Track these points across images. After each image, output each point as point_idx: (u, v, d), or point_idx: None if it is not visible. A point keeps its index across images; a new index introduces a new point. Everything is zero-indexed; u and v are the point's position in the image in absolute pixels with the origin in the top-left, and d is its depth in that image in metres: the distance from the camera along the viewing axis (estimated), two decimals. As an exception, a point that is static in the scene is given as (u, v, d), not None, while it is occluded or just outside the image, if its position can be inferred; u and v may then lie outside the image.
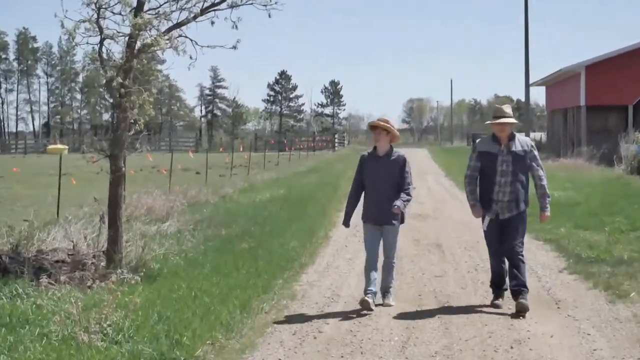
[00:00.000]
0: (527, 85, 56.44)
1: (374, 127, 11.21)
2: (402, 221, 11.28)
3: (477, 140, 11.39)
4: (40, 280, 11.25)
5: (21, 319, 9.44)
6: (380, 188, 11.00)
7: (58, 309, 9.82)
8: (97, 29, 12.22)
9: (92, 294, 10.81)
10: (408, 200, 11.10)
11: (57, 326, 8.97)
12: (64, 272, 11.94)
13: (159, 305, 10.20)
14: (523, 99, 64.37)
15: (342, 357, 8.84)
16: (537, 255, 15.23)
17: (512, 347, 9.04)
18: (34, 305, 10.10)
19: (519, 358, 8.66)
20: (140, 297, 10.26)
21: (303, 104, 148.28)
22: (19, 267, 11.77)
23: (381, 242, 11.26)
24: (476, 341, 9.31)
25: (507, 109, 11.01)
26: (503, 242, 10.89)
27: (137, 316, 9.52)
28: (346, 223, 11.53)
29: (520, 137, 11.03)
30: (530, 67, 55.79)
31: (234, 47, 13.06)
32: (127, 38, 12.39)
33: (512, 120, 10.89)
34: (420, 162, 51.23)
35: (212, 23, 12.96)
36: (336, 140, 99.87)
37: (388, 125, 11.14)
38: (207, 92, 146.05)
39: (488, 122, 11.16)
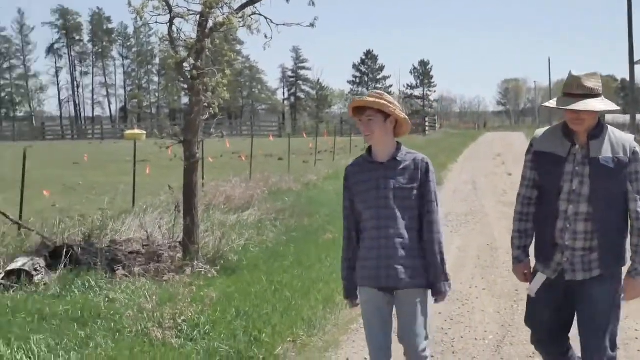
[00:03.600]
0: (632, 61, 55.06)
1: (357, 110, 6.28)
2: (444, 279, 6.30)
3: (537, 133, 6.44)
4: (116, 272, 11.36)
5: (93, 313, 9.51)
6: (384, 221, 6.14)
7: (132, 303, 9.88)
8: (167, 7, 12.21)
9: (167, 288, 10.85)
10: (441, 253, 6.24)
11: (131, 321, 9.01)
12: (138, 264, 12.02)
13: (236, 300, 10.18)
14: (628, 78, 62.68)
15: (432, 356, 8.70)
16: None
17: (618, 347, 8.78)
18: (107, 299, 10.18)
19: (625, 359, 8.41)
20: (217, 291, 10.26)
21: (391, 86, 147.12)
22: (92, 259, 11.89)
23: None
24: (578, 340, 9.06)
25: (589, 80, 5.92)
26: (566, 329, 6.46)
27: (213, 311, 9.51)
28: (348, 294, 6.51)
29: (615, 133, 6.08)
30: (636, 43, 54.46)
31: (312, 25, 12.97)
32: (198, 17, 12.34)
33: (598, 104, 5.89)
34: (518, 149, 50.31)
35: (287, 0, 12.88)
36: (427, 124, 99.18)
37: (381, 100, 6.19)
38: (290, 73, 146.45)
39: (548, 104, 6.25)
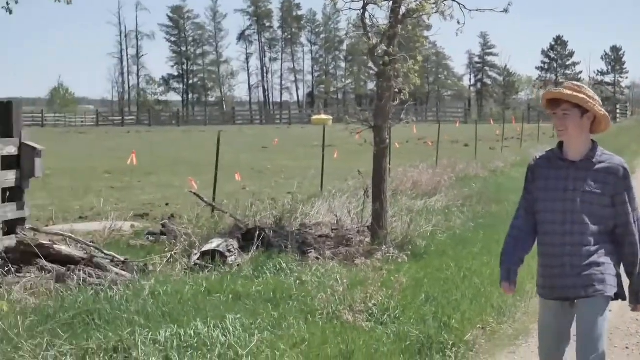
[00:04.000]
0: None
1: (552, 102, 5.66)
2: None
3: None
4: (308, 255, 11.56)
5: (285, 294, 9.69)
6: (569, 226, 5.57)
7: (322, 285, 10.02)
8: (360, -7, 12.34)
9: (357, 272, 10.95)
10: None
11: (322, 303, 9.15)
12: (327, 248, 12.19)
13: (425, 285, 10.20)
14: None
15: (626, 347, 8.51)
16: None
17: None
18: (298, 281, 10.36)
19: None
20: (406, 276, 10.29)
21: (580, 72, 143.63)
22: (283, 242, 12.11)
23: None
24: None
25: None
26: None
27: (403, 296, 9.55)
28: (506, 280, 5.86)
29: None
30: None
31: (505, 11, 12.86)
32: (391, 3, 12.42)
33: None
34: None
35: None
36: (618, 111, 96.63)
37: (580, 94, 5.55)
38: (477, 59, 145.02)
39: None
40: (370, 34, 12.53)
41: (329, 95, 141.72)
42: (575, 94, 5.50)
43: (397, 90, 12.53)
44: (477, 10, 12.67)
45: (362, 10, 12.45)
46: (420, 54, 12.74)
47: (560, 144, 5.68)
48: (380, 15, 12.95)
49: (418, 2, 12.13)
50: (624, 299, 5.72)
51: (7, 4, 12.65)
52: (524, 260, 5.83)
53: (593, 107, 5.52)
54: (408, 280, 10.23)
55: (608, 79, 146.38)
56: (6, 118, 12.03)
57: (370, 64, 12.81)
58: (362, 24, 12.54)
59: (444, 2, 12.32)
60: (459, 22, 12.52)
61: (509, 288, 5.82)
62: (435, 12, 12.22)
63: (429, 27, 13.17)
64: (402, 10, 12.32)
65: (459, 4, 12.48)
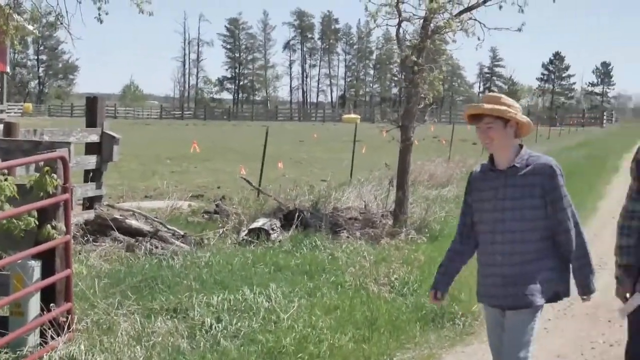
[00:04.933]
0: None
1: (474, 117, 4.93)
2: (584, 292, 5.00)
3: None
4: (340, 234, 11.56)
5: (319, 268, 9.68)
6: (499, 236, 4.89)
7: (351, 261, 10.01)
8: (396, 12, 12.39)
9: (381, 250, 10.93)
10: (586, 264, 4.92)
11: (351, 277, 9.14)
12: (356, 229, 12.18)
13: (439, 262, 10.13)
14: None
15: (609, 321, 8.46)
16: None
17: None
18: (330, 257, 10.34)
19: None
20: (423, 255, 10.26)
21: (574, 83, 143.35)
22: (318, 222, 12.10)
23: None
24: None
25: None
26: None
27: (421, 272, 9.52)
28: (434, 289, 5.25)
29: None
30: None
31: (519, 30, 12.88)
32: (422, 20, 12.47)
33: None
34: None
35: (500, 7, 12.77)
36: (605, 117, 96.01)
37: (500, 106, 4.85)
38: (486, 70, 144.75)
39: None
40: (402, 47, 12.59)
41: (358, 98, 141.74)
42: (495, 106, 4.79)
43: (422, 95, 12.55)
44: (495, 28, 12.68)
45: (397, 26, 12.50)
46: (445, 64, 12.78)
47: (490, 158, 4.97)
48: (410, 30, 13.01)
49: (445, 20, 12.13)
50: (567, 295, 4.96)
51: (99, 14, 12.64)
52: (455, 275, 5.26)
53: (515, 116, 4.81)
54: (425, 258, 10.20)
55: (597, 89, 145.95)
56: (92, 111, 12.16)
57: (399, 73, 12.85)
58: (397, 38, 12.62)
59: (467, 21, 12.34)
60: (479, 39, 12.56)
61: (434, 296, 5.20)
62: (460, 29, 12.23)
63: (446, 42, 13.16)
64: (432, 26, 12.34)
65: (480, 22, 12.51)
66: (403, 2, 12.44)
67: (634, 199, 4.76)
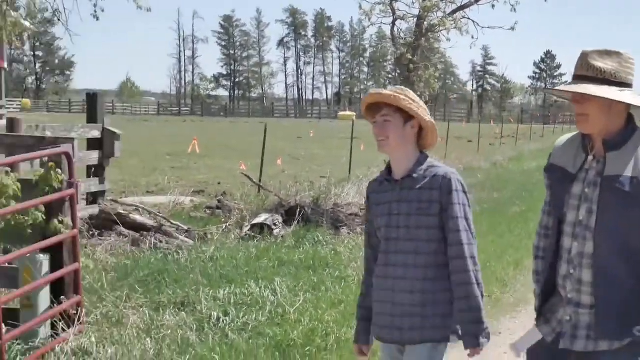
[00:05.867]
0: None
1: (371, 109, 4.01)
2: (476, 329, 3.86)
3: (559, 141, 3.78)
4: (341, 230, 11.59)
5: (322, 262, 9.70)
6: (392, 256, 3.97)
7: (354, 256, 10.04)
8: (390, 11, 12.45)
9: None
10: (474, 309, 3.84)
11: (354, 271, 9.17)
12: (357, 224, 12.22)
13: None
14: None
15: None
16: None
17: None
18: (333, 252, 10.37)
19: None
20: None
21: (566, 82, 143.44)
22: (319, 218, 12.14)
23: None
24: None
25: (601, 59, 3.41)
26: None
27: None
28: (356, 339, 4.25)
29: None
30: None
31: (512, 29, 12.96)
32: (416, 19, 12.52)
33: (598, 89, 3.34)
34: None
35: (493, 6, 12.88)
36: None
37: (402, 96, 3.90)
38: (479, 69, 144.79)
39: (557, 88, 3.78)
40: (397, 45, 12.63)
41: (353, 95, 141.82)
42: (395, 95, 3.87)
43: (418, 93, 12.57)
44: (488, 27, 12.77)
45: (391, 25, 12.55)
46: (439, 63, 12.85)
47: (388, 166, 4.05)
48: (403, 28, 13.11)
49: (439, 19, 12.20)
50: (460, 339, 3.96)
51: (95, 11, 12.64)
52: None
53: (416, 110, 3.88)
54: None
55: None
56: (93, 107, 12.16)
57: (392, 70, 12.91)
58: (392, 36, 12.67)
59: (461, 20, 12.40)
60: (473, 37, 12.64)
61: (359, 351, 4.22)
62: (454, 28, 12.29)
63: (439, 40, 13.26)
64: (425, 25, 12.39)
65: (474, 21, 12.60)
66: (397, 1, 12.57)
67: (546, 212, 3.78)
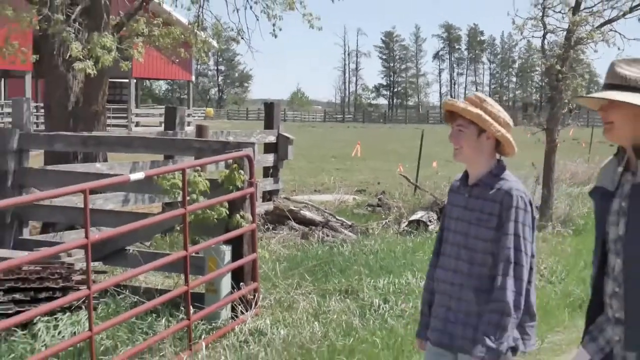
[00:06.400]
0: None
1: (450, 116, 3.63)
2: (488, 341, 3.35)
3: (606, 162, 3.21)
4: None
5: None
6: (454, 261, 3.60)
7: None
8: (542, 25, 12.18)
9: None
10: (501, 326, 3.36)
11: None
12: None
13: (584, 255, 9.80)
14: None
15: None
16: None
17: None
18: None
19: None
20: (570, 247, 9.97)
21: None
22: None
23: None
24: None
25: (628, 67, 3.00)
26: None
27: (567, 262, 9.28)
28: (419, 338, 3.88)
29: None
30: None
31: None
32: (565, 32, 12.19)
33: (620, 95, 2.92)
34: None
35: (639, 19, 12.30)
36: None
37: (477, 110, 3.53)
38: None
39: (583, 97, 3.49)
40: (547, 56, 12.34)
41: (502, 103, 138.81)
42: (469, 108, 3.52)
43: (566, 101, 12.27)
44: (634, 39, 12.26)
45: (542, 38, 12.31)
46: (586, 73, 12.46)
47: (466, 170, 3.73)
48: (551, 40, 12.81)
49: (587, 32, 11.81)
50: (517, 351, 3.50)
51: (274, 30, 12.88)
52: None
53: (490, 126, 3.51)
54: (571, 250, 9.92)
55: None
56: (270, 115, 12.48)
57: (540, 80, 12.60)
58: (542, 48, 12.39)
59: (608, 32, 11.95)
60: (619, 49, 12.15)
61: (420, 345, 3.89)
62: (601, 40, 11.86)
63: (595, 52, 12.82)
64: (574, 38, 12.02)
65: (620, 34, 12.11)
66: (547, 16, 12.23)
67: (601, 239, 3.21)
